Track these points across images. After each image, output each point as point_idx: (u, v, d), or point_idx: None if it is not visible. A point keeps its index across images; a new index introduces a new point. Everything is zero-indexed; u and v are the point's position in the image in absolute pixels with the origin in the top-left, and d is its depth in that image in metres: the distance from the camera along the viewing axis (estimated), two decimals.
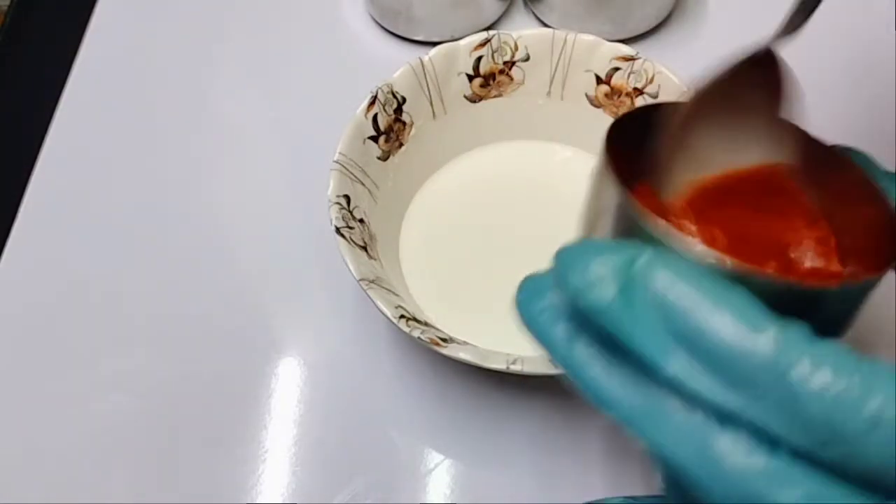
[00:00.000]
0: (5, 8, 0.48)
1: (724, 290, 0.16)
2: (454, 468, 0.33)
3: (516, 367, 0.28)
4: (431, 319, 0.32)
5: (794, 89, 0.24)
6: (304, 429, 0.34)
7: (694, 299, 0.16)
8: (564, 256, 0.18)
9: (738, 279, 0.16)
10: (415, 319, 0.30)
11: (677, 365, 0.16)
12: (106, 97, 0.44)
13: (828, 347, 0.15)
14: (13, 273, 0.38)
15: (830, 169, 0.23)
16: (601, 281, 0.17)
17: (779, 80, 0.24)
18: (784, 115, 0.24)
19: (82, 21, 0.47)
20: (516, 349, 0.29)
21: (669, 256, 0.16)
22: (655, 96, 0.36)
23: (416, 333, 0.29)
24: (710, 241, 0.22)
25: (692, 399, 0.16)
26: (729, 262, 0.17)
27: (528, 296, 0.19)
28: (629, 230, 0.18)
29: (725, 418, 0.16)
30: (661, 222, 0.18)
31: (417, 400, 0.34)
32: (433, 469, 0.33)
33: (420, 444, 0.33)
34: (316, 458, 0.33)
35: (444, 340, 0.30)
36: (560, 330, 0.18)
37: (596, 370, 0.17)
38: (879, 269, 0.19)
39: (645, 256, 0.17)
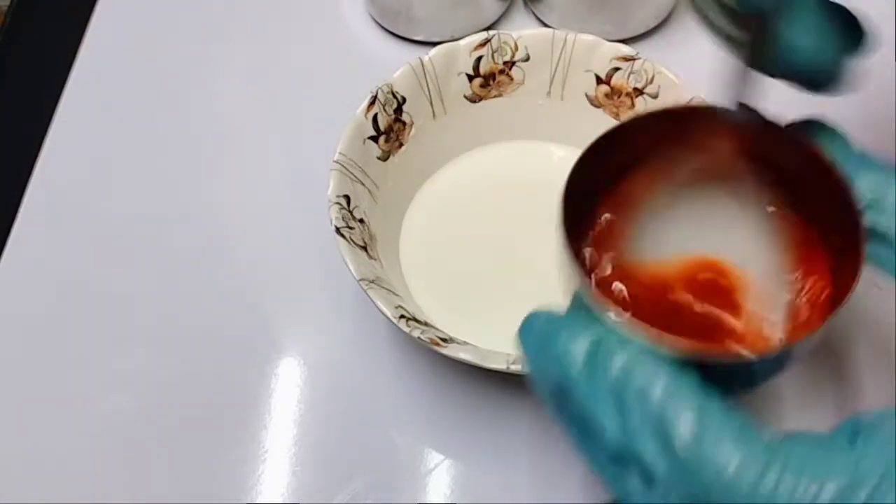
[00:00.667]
0: (5, 8, 0.48)
1: (667, 372, 0.18)
2: (454, 468, 0.33)
3: (516, 367, 0.28)
4: (431, 319, 0.32)
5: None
6: (304, 429, 0.34)
7: (642, 382, 0.18)
8: (546, 326, 0.20)
9: (679, 358, 0.19)
10: (415, 319, 0.30)
11: (618, 435, 0.19)
12: (106, 97, 0.44)
13: (744, 433, 0.17)
14: (13, 273, 0.38)
15: (796, 162, 0.23)
16: (571, 358, 0.19)
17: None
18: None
19: (82, 21, 0.47)
20: (516, 349, 0.29)
21: (624, 341, 0.19)
22: (655, 96, 0.36)
23: (416, 333, 0.29)
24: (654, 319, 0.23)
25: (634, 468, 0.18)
26: (668, 344, 0.19)
27: (529, 335, 0.21)
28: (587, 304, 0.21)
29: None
30: (612, 314, 0.20)
31: (417, 400, 0.34)
32: (433, 469, 0.33)
33: (420, 444, 0.33)
34: (316, 458, 0.33)
35: (444, 340, 0.30)
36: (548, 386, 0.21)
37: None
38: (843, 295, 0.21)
39: (607, 344, 0.19)
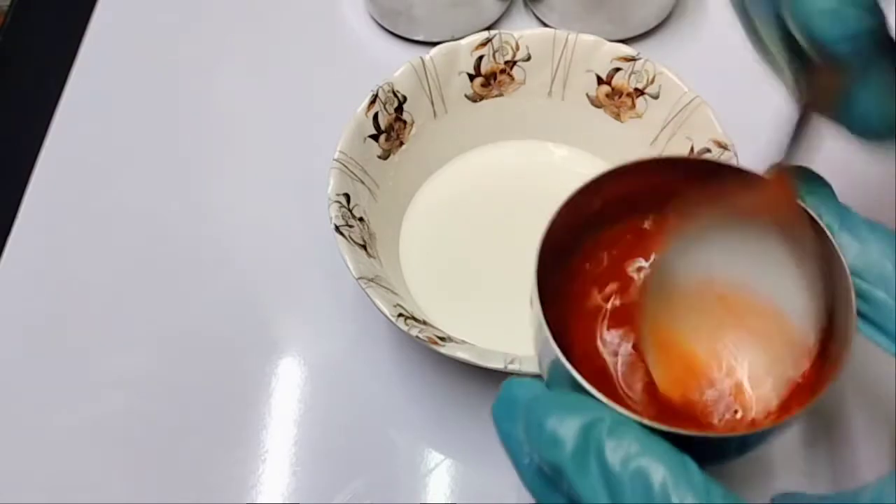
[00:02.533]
0: (5, 8, 0.48)
1: (666, 461, 0.18)
2: (454, 468, 0.33)
3: (514, 367, 0.28)
4: (430, 318, 0.32)
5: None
6: (304, 429, 0.34)
7: (638, 473, 0.18)
8: (530, 410, 0.20)
9: (671, 438, 0.18)
10: (413, 318, 0.30)
11: None
12: (106, 97, 0.44)
13: None
14: (13, 273, 0.38)
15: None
16: (557, 442, 0.19)
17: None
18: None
19: (82, 21, 0.47)
20: (515, 348, 0.29)
21: (619, 427, 0.18)
22: (656, 97, 0.36)
23: (414, 332, 0.29)
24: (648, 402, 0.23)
25: None
26: (661, 427, 0.19)
27: (504, 413, 0.21)
28: (565, 382, 0.20)
29: None
30: (598, 395, 0.19)
31: (417, 400, 0.34)
32: (433, 469, 0.33)
33: (420, 444, 0.33)
34: (316, 458, 0.33)
35: (443, 339, 0.30)
36: (526, 460, 0.20)
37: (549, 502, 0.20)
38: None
39: (598, 427, 0.19)
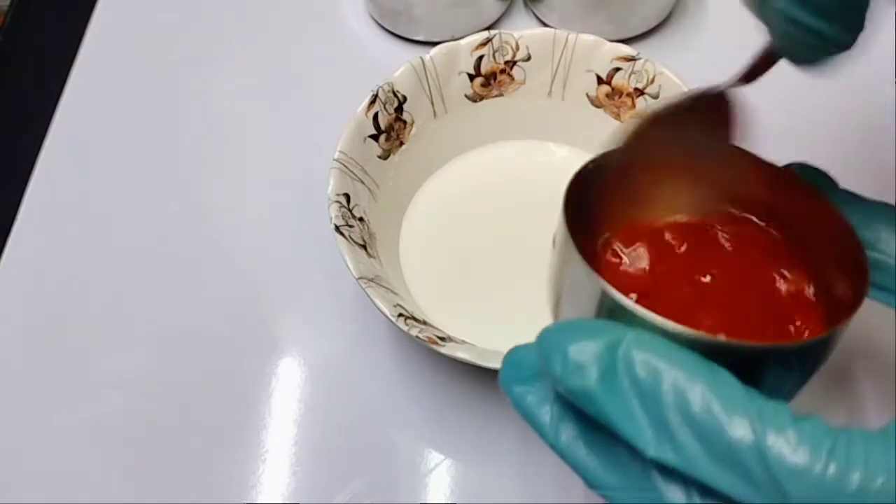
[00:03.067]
0: (5, 8, 0.48)
1: (702, 372, 0.17)
2: (454, 468, 0.33)
3: None
4: (430, 318, 0.32)
5: (747, 128, 0.24)
6: (304, 429, 0.34)
7: (675, 386, 0.17)
8: (545, 340, 0.18)
9: (710, 349, 0.17)
10: (413, 318, 0.30)
11: (660, 448, 0.17)
12: (106, 97, 0.44)
13: (803, 425, 0.16)
14: (13, 273, 0.38)
15: (790, 195, 0.23)
16: (583, 367, 0.17)
17: (732, 121, 0.24)
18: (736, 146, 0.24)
19: (82, 21, 0.47)
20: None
21: (645, 340, 0.17)
22: (656, 97, 0.36)
23: (414, 332, 0.29)
24: (679, 308, 0.22)
25: (676, 477, 0.17)
26: (699, 335, 0.17)
27: (512, 375, 0.20)
28: (601, 307, 0.19)
29: (708, 493, 0.17)
30: (630, 303, 0.18)
31: (417, 400, 0.34)
32: (433, 469, 0.33)
33: (420, 444, 0.33)
34: (316, 458, 0.33)
35: (443, 339, 0.30)
36: (545, 413, 0.19)
37: (581, 453, 0.19)
38: (853, 305, 0.20)
39: (623, 343, 0.17)
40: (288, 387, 0.35)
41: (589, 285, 0.19)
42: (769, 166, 0.23)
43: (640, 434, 0.17)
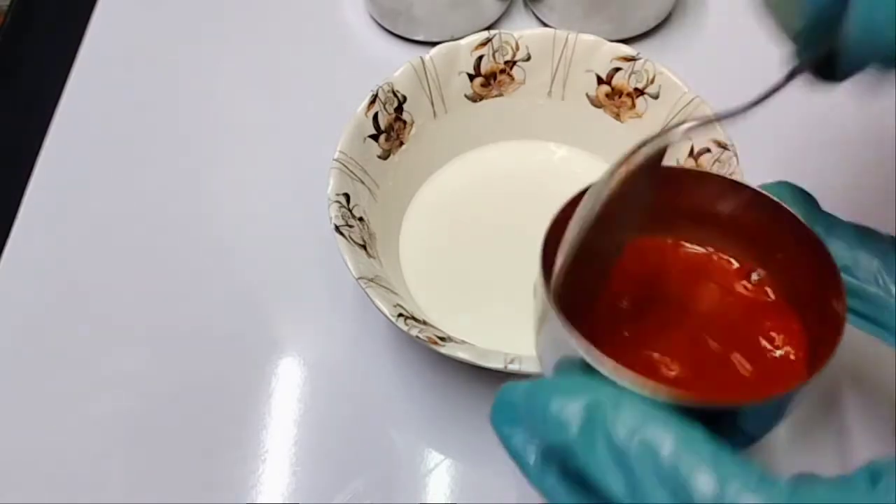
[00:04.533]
0: (5, 8, 0.48)
1: (673, 430, 0.18)
2: (454, 468, 0.33)
3: (514, 367, 0.28)
4: (430, 318, 0.32)
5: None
6: (304, 429, 0.34)
7: (646, 443, 0.18)
8: (530, 396, 0.20)
9: (684, 407, 0.18)
10: (413, 318, 0.30)
11: (633, 501, 0.18)
12: (106, 97, 0.44)
13: (765, 484, 0.17)
14: (13, 273, 0.38)
15: (768, 219, 0.23)
16: (563, 425, 0.19)
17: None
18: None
19: (82, 21, 0.47)
20: (515, 348, 0.29)
21: (622, 400, 0.18)
22: (656, 97, 0.36)
23: (414, 332, 0.29)
24: (655, 367, 0.23)
25: None
26: (674, 394, 0.18)
27: (502, 415, 0.21)
28: (581, 362, 0.20)
29: None
30: (609, 366, 0.19)
31: (417, 400, 0.34)
32: (433, 469, 0.33)
33: (420, 444, 0.33)
34: (316, 458, 0.33)
35: (443, 339, 0.30)
36: (530, 455, 0.20)
37: (563, 496, 0.20)
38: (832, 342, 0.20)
39: (601, 404, 0.18)
40: (288, 387, 0.35)
41: (568, 340, 0.20)
42: (748, 190, 0.23)
43: (614, 487, 0.18)
